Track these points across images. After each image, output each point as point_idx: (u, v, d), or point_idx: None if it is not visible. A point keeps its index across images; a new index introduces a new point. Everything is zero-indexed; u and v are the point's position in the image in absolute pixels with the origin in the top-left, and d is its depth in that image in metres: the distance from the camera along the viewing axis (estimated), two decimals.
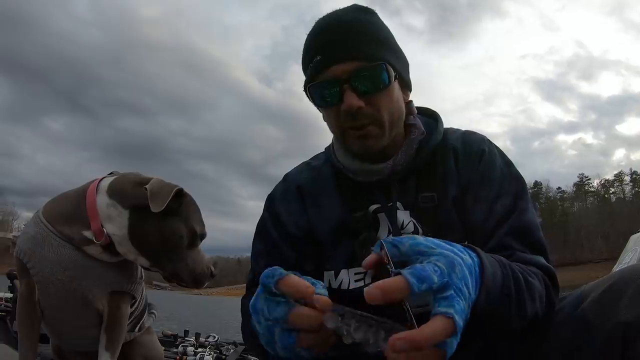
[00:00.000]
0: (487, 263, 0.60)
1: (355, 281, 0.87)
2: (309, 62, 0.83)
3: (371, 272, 0.85)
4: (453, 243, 0.59)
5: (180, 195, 1.17)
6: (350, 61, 0.78)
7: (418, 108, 0.95)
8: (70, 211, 1.18)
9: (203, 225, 1.22)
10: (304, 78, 0.87)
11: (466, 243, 0.63)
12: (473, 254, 0.60)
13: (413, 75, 0.91)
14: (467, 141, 0.90)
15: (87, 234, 1.16)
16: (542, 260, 0.78)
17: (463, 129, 0.94)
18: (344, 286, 0.87)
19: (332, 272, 0.88)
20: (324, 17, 0.84)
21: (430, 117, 0.95)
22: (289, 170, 1.02)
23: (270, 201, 0.98)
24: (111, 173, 1.26)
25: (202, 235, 1.23)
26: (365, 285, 0.83)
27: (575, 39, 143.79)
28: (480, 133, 0.93)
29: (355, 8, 0.84)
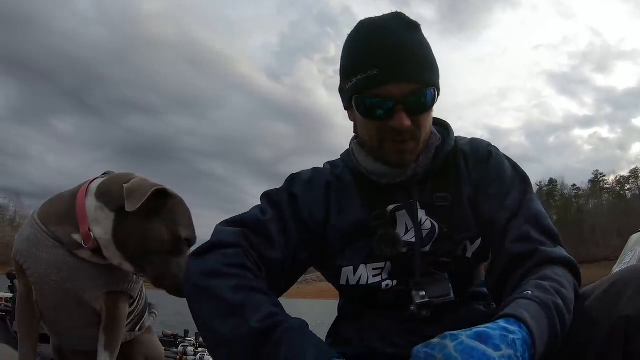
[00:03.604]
0: (534, 327, 0.64)
1: (373, 276, 0.91)
2: (360, 71, 0.83)
3: (389, 266, 0.90)
4: (489, 334, 0.60)
5: (165, 196, 1.13)
6: (407, 83, 0.82)
7: None
8: (62, 213, 1.16)
9: (192, 229, 1.16)
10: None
11: (508, 313, 0.66)
12: (521, 324, 0.63)
13: None
14: (475, 145, 0.98)
15: (77, 237, 1.13)
16: (563, 252, 0.83)
17: (469, 137, 1.02)
18: (363, 281, 0.91)
19: (351, 267, 0.92)
20: (375, 26, 0.84)
21: (440, 126, 1.00)
22: (300, 168, 1.04)
23: (292, 180, 0.98)
24: (105, 173, 1.24)
25: (190, 240, 1.15)
26: (383, 280, 0.90)
27: (590, 27, 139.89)
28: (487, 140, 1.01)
29: (404, 23, 0.85)
